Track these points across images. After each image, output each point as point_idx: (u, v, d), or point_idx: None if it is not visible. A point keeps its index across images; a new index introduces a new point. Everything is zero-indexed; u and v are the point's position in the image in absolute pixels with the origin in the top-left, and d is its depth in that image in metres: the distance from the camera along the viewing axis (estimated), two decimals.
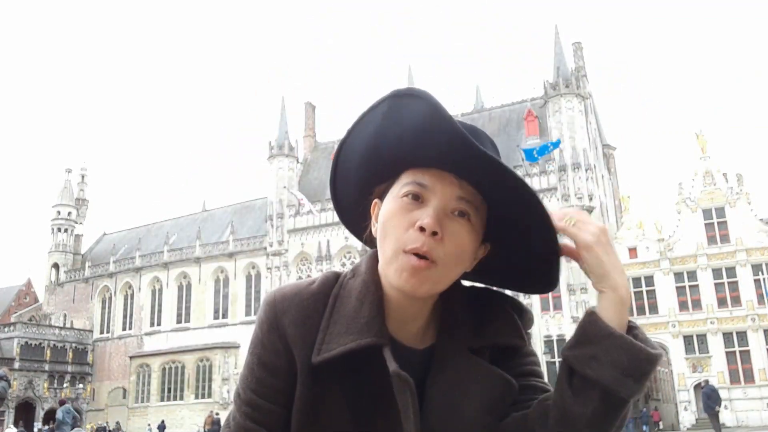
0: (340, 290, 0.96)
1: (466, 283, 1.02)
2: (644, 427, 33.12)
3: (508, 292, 1.03)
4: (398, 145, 0.91)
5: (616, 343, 0.83)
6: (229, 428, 0.97)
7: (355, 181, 0.98)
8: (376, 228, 0.95)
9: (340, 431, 0.91)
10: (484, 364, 0.94)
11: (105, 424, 41.15)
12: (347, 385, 0.91)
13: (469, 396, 0.91)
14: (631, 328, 0.86)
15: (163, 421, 40.91)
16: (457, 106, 48.48)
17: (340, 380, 0.91)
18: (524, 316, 1.02)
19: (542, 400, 0.90)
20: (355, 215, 1.01)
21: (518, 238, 0.93)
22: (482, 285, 1.03)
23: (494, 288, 1.04)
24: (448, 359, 0.94)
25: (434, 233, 0.87)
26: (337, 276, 0.99)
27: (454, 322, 0.96)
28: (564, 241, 0.91)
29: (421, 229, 0.87)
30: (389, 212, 0.91)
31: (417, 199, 0.90)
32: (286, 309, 0.94)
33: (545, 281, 0.96)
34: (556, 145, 36.29)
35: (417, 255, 0.87)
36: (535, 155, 35.77)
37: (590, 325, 0.85)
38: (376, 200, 0.97)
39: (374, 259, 0.96)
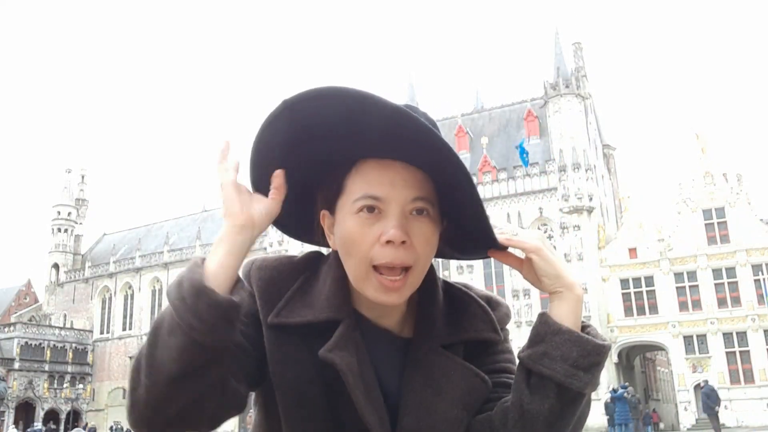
0: (312, 272, 0.96)
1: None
2: (648, 429, 33.14)
3: (483, 286, 1.02)
4: (325, 144, 0.89)
5: (564, 338, 0.85)
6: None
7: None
8: (333, 241, 0.94)
9: (311, 393, 0.89)
10: (457, 360, 0.94)
11: (119, 424, 41.06)
12: (308, 358, 0.89)
13: (441, 393, 0.91)
14: (585, 327, 0.88)
15: None
16: (456, 106, 48.48)
17: (305, 347, 0.90)
18: (499, 311, 1.02)
19: (503, 402, 0.90)
20: (293, 223, 1.00)
21: (456, 205, 0.92)
22: (457, 281, 1.04)
23: (467, 284, 1.04)
24: (421, 356, 0.93)
25: (403, 242, 0.86)
26: (319, 257, 0.99)
27: (428, 317, 0.96)
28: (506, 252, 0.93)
29: (388, 242, 0.86)
30: (348, 231, 0.89)
31: (372, 211, 0.88)
32: (261, 267, 0.96)
33: (485, 242, 0.94)
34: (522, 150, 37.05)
35: (390, 270, 0.86)
36: (525, 157, 36.37)
37: (541, 325, 0.87)
38: (323, 212, 0.95)
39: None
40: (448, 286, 1.02)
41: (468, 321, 0.98)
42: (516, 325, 34.41)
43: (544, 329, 0.86)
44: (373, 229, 0.87)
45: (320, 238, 0.98)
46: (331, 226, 0.94)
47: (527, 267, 0.90)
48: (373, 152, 0.89)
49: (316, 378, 0.89)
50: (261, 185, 0.91)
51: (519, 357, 0.89)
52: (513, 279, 35.79)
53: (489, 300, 1.02)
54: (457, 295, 1.01)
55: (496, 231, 0.91)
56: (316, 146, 0.90)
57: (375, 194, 0.87)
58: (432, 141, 0.84)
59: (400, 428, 0.90)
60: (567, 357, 0.84)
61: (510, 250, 0.93)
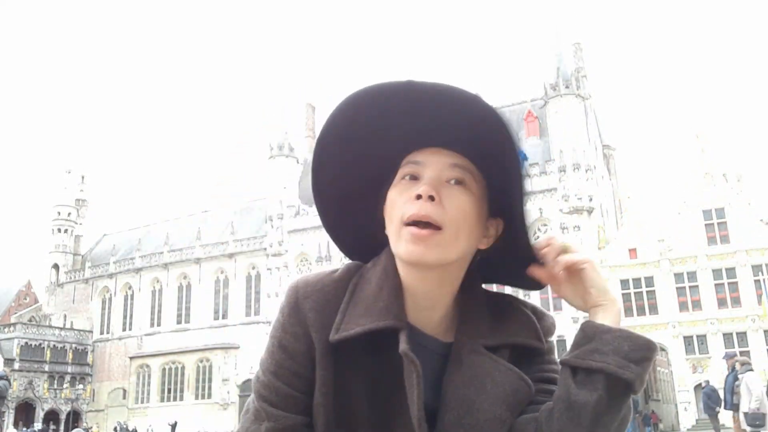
0: (360, 278, 0.98)
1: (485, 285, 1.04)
2: (648, 429, 33.12)
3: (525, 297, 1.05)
4: (384, 140, 0.96)
5: (615, 335, 0.87)
6: (249, 411, 0.98)
7: (346, 194, 1.02)
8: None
9: (357, 412, 0.92)
10: (500, 361, 0.95)
11: (125, 424, 41.05)
12: (364, 367, 0.92)
13: (485, 392, 0.92)
14: None
15: (176, 422, 40.94)
16: None
17: (357, 361, 0.92)
18: (544, 321, 1.03)
19: (547, 404, 0.91)
20: (350, 231, 1.05)
21: (517, 216, 0.95)
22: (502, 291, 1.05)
23: (512, 295, 1.05)
24: (464, 355, 0.95)
25: (431, 198, 0.90)
26: (358, 266, 1.01)
27: (472, 319, 0.98)
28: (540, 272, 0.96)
29: (417, 197, 0.90)
30: (390, 198, 0.95)
31: (414, 179, 0.93)
32: (308, 294, 0.96)
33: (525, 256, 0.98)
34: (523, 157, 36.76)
35: (418, 224, 0.90)
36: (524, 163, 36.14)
37: (589, 327, 0.90)
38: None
39: (391, 251, 0.98)
40: (494, 294, 1.03)
41: (513, 327, 0.99)
42: (573, 321, 34.48)
43: (593, 330, 0.89)
44: (410, 191, 0.92)
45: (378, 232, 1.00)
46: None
47: (570, 280, 0.93)
48: (429, 144, 0.94)
49: (370, 387, 0.92)
50: (323, 183, 1.00)
51: (562, 360, 0.90)
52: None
53: (534, 310, 1.03)
54: (503, 302, 1.02)
55: (545, 240, 0.94)
56: (373, 142, 0.96)
57: (416, 159, 0.93)
58: (499, 137, 0.91)
59: (441, 425, 0.91)
60: (618, 350, 0.86)
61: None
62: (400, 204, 0.92)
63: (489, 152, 0.92)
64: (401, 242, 0.91)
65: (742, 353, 31.66)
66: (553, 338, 1.06)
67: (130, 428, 39.54)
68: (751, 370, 10.40)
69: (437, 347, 0.97)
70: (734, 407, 10.60)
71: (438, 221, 0.89)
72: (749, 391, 9.83)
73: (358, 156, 0.97)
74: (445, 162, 0.92)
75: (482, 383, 0.92)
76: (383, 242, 0.99)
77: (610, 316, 0.90)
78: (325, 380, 0.93)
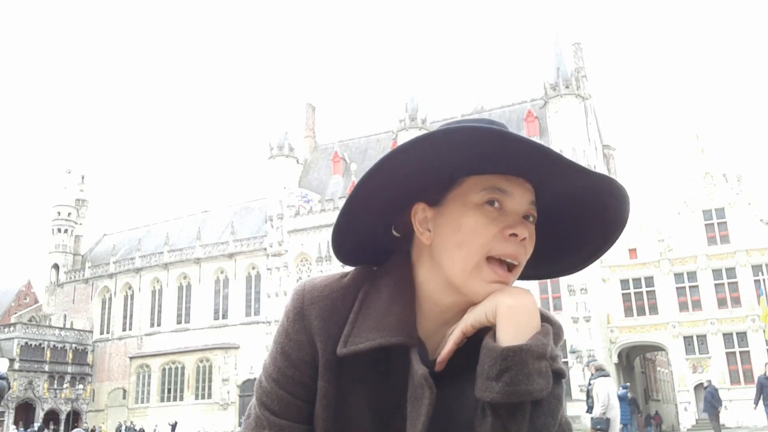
0: (371, 287, 0.94)
1: None
2: (649, 429, 33.15)
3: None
4: (454, 156, 0.87)
5: (483, 353, 0.83)
6: (250, 416, 0.96)
7: (384, 203, 0.94)
8: (427, 235, 0.92)
9: (357, 427, 0.90)
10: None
11: (132, 424, 41.04)
12: (369, 382, 0.90)
13: (467, 406, 0.89)
14: (545, 332, 0.86)
15: (176, 422, 40.95)
16: (456, 106, 48.48)
17: (362, 376, 0.90)
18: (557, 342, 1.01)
19: None
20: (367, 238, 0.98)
21: (561, 221, 0.95)
22: None
23: None
24: (447, 377, 0.92)
25: (524, 239, 0.88)
26: (369, 271, 0.97)
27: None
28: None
29: (512, 235, 0.87)
30: (468, 222, 0.88)
31: (493, 204, 0.88)
32: (314, 300, 0.93)
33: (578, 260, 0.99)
34: None
35: (502, 262, 0.88)
36: None
37: (481, 348, 0.85)
38: (419, 204, 0.93)
39: (406, 261, 0.95)
40: None
41: None
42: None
43: (482, 351, 0.85)
44: (497, 221, 0.88)
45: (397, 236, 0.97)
46: (425, 219, 0.92)
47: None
48: (505, 171, 0.90)
49: (372, 402, 0.90)
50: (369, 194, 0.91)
51: None
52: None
53: (540, 315, 1.01)
54: None
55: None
56: (443, 160, 0.88)
57: (503, 187, 0.88)
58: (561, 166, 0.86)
59: None
60: (482, 371, 0.82)
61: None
62: (487, 235, 0.87)
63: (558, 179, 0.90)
64: (476, 277, 0.87)
65: (742, 353, 31.84)
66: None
67: (137, 428, 39.52)
68: (605, 375, 10.52)
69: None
70: (590, 410, 10.82)
71: (521, 262, 0.89)
72: (598, 397, 10.08)
73: (416, 168, 0.88)
74: (528, 198, 0.90)
75: (466, 397, 0.89)
76: (386, 247, 0.97)
77: (503, 321, 0.84)
78: (326, 392, 0.90)
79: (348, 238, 0.97)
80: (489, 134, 0.83)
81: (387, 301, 0.91)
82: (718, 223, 33.86)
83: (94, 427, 43.97)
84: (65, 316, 54.33)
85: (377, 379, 0.90)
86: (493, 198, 0.88)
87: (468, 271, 0.88)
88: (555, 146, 39.04)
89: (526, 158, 0.85)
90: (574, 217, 0.95)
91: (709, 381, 22.42)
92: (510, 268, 0.89)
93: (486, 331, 0.87)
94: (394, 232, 0.97)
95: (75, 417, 46.84)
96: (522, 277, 1.01)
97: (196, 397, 45.09)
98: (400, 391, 0.89)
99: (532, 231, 0.90)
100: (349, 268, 1.01)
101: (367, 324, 0.90)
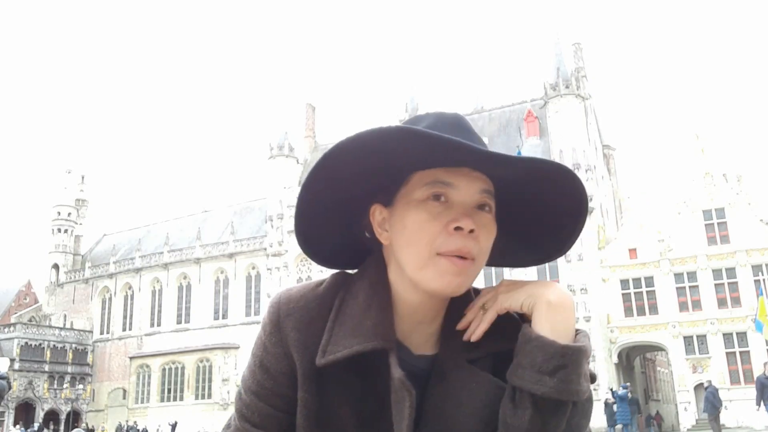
0: (347, 293, 0.93)
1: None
2: (650, 430, 33.14)
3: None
4: (388, 157, 0.86)
5: (533, 344, 0.83)
6: (230, 427, 0.97)
7: (341, 201, 0.93)
8: (385, 236, 0.92)
9: None
10: (481, 374, 0.92)
11: (135, 424, 41.04)
12: (350, 389, 0.89)
13: (462, 406, 0.89)
14: (577, 332, 0.86)
15: (176, 422, 40.94)
16: (456, 106, 48.48)
17: (342, 384, 0.89)
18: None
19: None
20: (329, 240, 0.98)
21: (526, 210, 0.94)
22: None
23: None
24: (447, 371, 0.91)
25: (471, 231, 0.86)
26: (345, 277, 0.96)
27: (454, 332, 0.94)
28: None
29: (457, 228, 0.85)
30: (413, 219, 0.87)
31: (438, 199, 0.87)
32: (290, 312, 0.92)
33: (555, 246, 0.98)
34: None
35: (458, 257, 0.86)
36: None
37: (520, 337, 0.86)
38: (376, 205, 0.93)
39: (380, 262, 0.94)
40: (475, 294, 0.99)
41: (494, 335, 0.93)
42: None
43: (521, 340, 0.85)
44: (441, 216, 0.86)
45: (362, 238, 0.96)
46: (383, 221, 0.92)
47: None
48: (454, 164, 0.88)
49: (355, 409, 0.89)
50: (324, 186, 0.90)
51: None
52: (569, 273, 35.65)
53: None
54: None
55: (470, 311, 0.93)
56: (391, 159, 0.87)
57: (445, 180, 0.86)
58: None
59: None
60: (533, 363, 0.82)
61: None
62: (431, 230, 0.86)
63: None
64: (434, 273, 0.86)
65: (742, 353, 31.81)
66: None
67: (140, 428, 39.51)
68: None
69: (424, 363, 0.93)
70: None
71: (474, 254, 0.87)
72: None
73: (361, 168, 0.88)
74: (476, 187, 0.87)
75: (459, 398, 0.90)
76: (362, 249, 0.96)
77: (542, 316, 0.85)
78: (307, 402, 0.89)
79: (317, 240, 0.97)
80: (398, 132, 0.81)
81: (363, 306, 0.90)
82: (718, 223, 33.84)
83: (92, 427, 43.94)
84: (65, 316, 54.32)
85: (359, 386, 0.89)
86: (438, 192, 0.86)
87: (420, 268, 0.87)
88: (555, 146, 39.06)
89: (442, 151, 0.82)
90: (538, 202, 0.92)
91: (710, 381, 22.43)
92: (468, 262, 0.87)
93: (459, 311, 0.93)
94: (367, 234, 0.96)
95: (75, 417, 46.83)
96: (506, 264, 1.02)
97: (196, 397, 45.08)
98: (383, 396, 0.88)
99: (486, 220, 0.88)
100: (331, 271, 1.00)
101: (344, 331, 0.89)
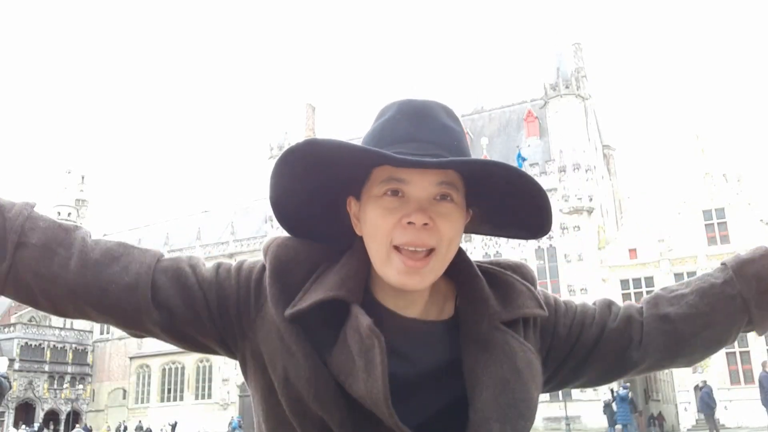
0: (331, 262, 0.96)
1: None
2: (652, 430, 33.13)
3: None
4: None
5: None
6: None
7: (312, 189, 0.96)
8: (359, 227, 0.94)
9: (323, 391, 0.87)
10: (520, 339, 0.94)
11: (138, 423, 41.05)
12: (324, 342, 0.89)
13: (517, 371, 0.91)
14: None
15: (176, 422, 40.95)
16: (456, 106, 48.51)
17: (316, 339, 0.89)
18: (533, 281, 1.04)
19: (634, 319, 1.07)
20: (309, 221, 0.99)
21: (499, 194, 0.93)
22: (486, 261, 1.04)
23: (494, 259, 1.05)
24: (483, 334, 0.93)
25: (425, 224, 0.87)
26: (334, 251, 0.99)
27: (480, 296, 0.96)
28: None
29: (409, 223, 0.87)
30: (371, 214, 0.90)
31: (397, 194, 0.88)
32: (281, 244, 0.97)
33: (538, 225, 0.97)
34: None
35: (413, 251, 0.87)
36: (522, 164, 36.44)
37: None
38: (350, 198, 0.96)
39: (363, 245, 0.96)
40: (484, 268, 1.01)
41: (519, 299, 0.98)
42: None
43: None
44: (396, 211, 0.88)
45: (346, 229, 0.98)
46: (358, 212, 0.95)
47: None
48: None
49: (333, 365, 0.88)
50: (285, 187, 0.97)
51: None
52: (569, 273, 35.68)
53: (515, 269, 1.04)
54: (497, 274, 1.01)
55: None
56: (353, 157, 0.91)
57: (399, 176, 0.88)
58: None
59: (481, 403, 0.88)
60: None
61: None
62: (385, 226, 0.88)
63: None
64: (390, 268, 0.88)
65: (742, 353, 31.81)
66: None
67: (144, 428, 39.51)
68: None
69: (427, 327, 0.94)
70: None
71: (432, 245, 0.88)
72: None
73: (328, 164, 0.91)
74: (431, 180, 0.88)
75: (513, 362, 0.91)
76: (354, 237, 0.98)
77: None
78: (284, 346, 0.88)
79: (303, 230, 0.99)
80: (326, 144, 0.86)
81: (337, 269, 0.93)
82: (718, 223, 33.85)
83: (91, 427, 43.93)
84: None
85: (330, 337, 0.89)
86: (395, 188, 0.88)
87: (382, 263, 0.90)
88: (555, 146, 39.09)
89: (368, 157, 0.87)
90: (504, 186, 0.92)
91: (704, 382, 22.47)
92: (428, 252, 0.88)
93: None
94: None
95: (75, 417, 46.84)
96: (505, 235, 1.03)
97: (196, 397, 45.09)
98: (351, 347, 0.87)
99: (447, 209, 0.89)
100: None
101: (314, 287, 0.92)
